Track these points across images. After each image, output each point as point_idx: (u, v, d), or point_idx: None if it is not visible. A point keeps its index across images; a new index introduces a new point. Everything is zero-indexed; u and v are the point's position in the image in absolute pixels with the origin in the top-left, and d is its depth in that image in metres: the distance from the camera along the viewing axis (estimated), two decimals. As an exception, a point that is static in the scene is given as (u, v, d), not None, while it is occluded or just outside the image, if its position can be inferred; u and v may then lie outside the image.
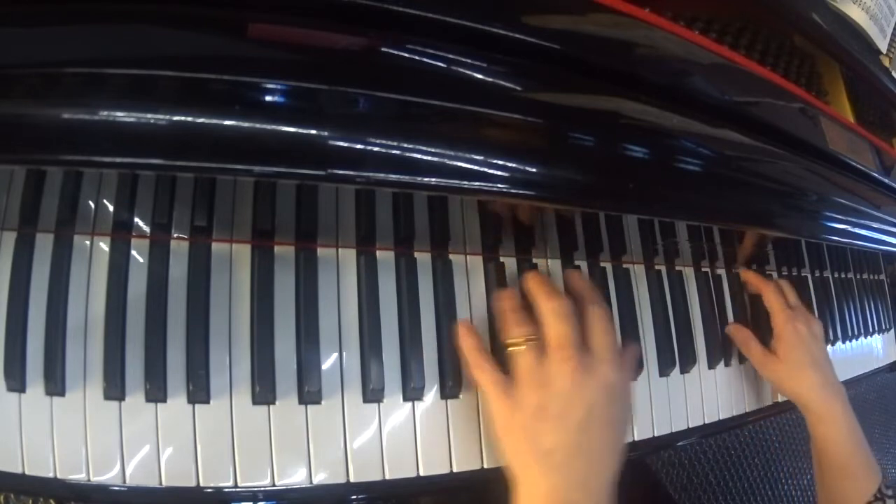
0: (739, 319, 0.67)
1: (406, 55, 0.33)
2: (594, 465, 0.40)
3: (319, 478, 0.41)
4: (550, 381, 0.41)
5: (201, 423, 0.39)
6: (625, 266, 0.57)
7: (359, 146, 0.31)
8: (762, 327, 0.66)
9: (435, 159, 0.33)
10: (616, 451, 0.42)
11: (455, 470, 0.45)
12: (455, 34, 0.34)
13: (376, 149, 0.31)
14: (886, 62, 0.65)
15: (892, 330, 0.97)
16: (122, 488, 0.37)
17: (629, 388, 0.44)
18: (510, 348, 0.43)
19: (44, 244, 0.38)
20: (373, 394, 0.43)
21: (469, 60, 0.35)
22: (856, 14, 0.59)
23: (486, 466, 0.46)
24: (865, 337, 0.89)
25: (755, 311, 0.67)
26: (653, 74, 0.42)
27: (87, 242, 0.39)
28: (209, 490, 0.38)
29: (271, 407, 0.41)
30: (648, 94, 0.42)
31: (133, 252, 0.40)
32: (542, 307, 0.44)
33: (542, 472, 0.39)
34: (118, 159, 0.28)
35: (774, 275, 0.74)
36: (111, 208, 0.40)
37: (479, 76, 0.35)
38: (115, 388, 0.37)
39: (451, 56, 0.34)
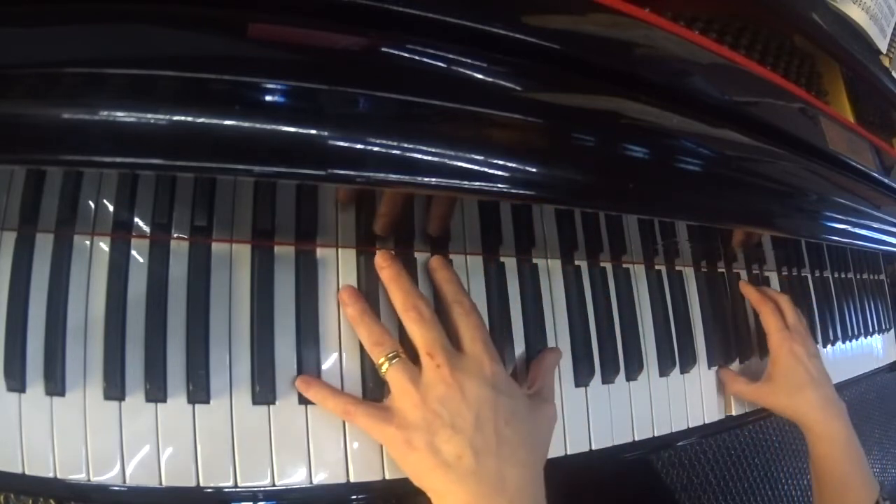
0: (740, 320, 0.67)
1: (406, 55, 0.33)
2: (505, 461, 0.39)
3: (319, 478, 0.41)
4: (428, 392, 0.39)
5: (201, 423, 0.39)
6: (625, 266, 0.57)
7: (359, 146, 0.31)
8: (762, 329, 0.66)
9: (435, 159, 0.33)
10: (530, 443, 0.41)
11: (455, 470, 0.45)
12: (455, 34, 0.34)
13: (376, 149, 0.31)
14: (886, 62, 0.65)
15: (892, 330, 0.97)
16: (122, 488, 0.37)
17: (510, 379, 0.43)
18: (380, 371, 0.41)
19: (44, 244, 0.38)
20: (373, 394, 0.43)
21: (469, 60, 0.35)
22: (856, 14, 0.59)
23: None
24: (865, 337, 0.89)
25: (756, 312, 0.67)
26: (653, 74, 0.42)
27: (87, 242, 0.39)
28: (209, 490, 0.38)
29: (271, 407, 0.41)
30: (648, 94, 0.42)
31: (133, 252, 0.40)
32: (402, 316, 0.42)
33: (455, 482, 0.38)
34: (118, 159, 0.28)
35: (774, 275, 0.74)
36: (111, 208, 0.40)
37: (479, 76, 0.35)
38: (115, 388, 0.37)
39: (451, 56, 0.34)
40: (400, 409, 0.40)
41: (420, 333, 0.41)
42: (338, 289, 0.44)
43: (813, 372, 0.61)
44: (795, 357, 0.61)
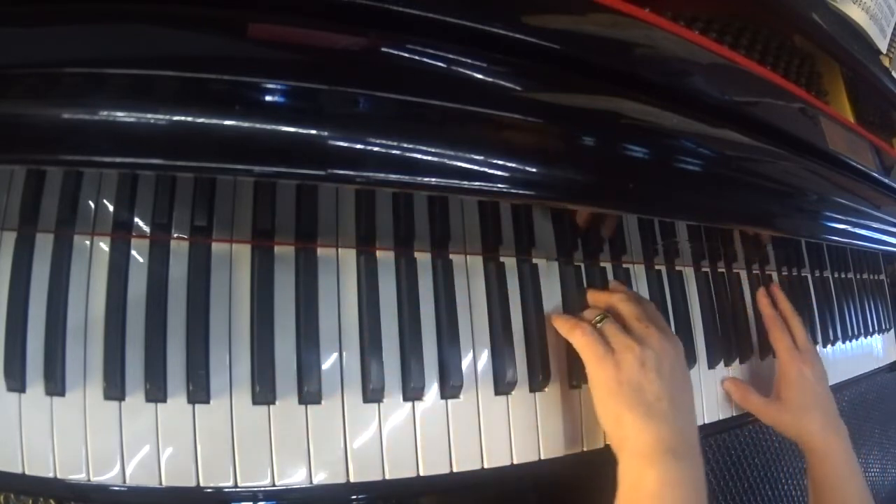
0: (740, 320, 0.67)
1: (406, 55, 0.33)
2: (687, 416, 0.48)
3: (319, 478, 0.41)
4: (642, 344, 0.47)
5: (201, 423, 0.39)
6: (625, 266, 0.57)
7: (359, 146, 0.31)
8: (762, 329, 0.66)
9: (435, 159, 0.33)
10: (693, 407, 0.50)
11: (455, 470, 0.45)
12: (455, 34, 0.34)
13: (376, 149, 0.31)
14: (886, 62, 0.65)
15: (892, 330, 0.97)
16: (122, 488, 0.37)
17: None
18: (596, 323, 0.49)
19: (44, 244, 0.38)
20: (373, 394, 0.43)
21: (469, 60, 0.35)
22: (856, 14, 0.59)
23: (485, 466, 0.46)
24: (865, 337, 0.89)
25: (757, 312, 0.67)
26: (653, 74, 0.42)
27: (87, 242, 0.39)
28: (209, 490, 0.38)
29: (271, 407, 0.41)
30: (648, 94, 0.42)
31: (133, 252, 0.40)
32: (612, 299, 0.52)
33: (648, 422, 0.44)
34: (118, 159, 0.28)
35: (775, 275, 0.74)
36: (111, 208, 0.40)
37: (480, 76, 0.35)
38: (115, 388, 0.37)
39: (451, 56, 0.34)
40: (618, 349, 0.47)
41: (628, 307, 0.50)
42: (338, 289, 0.44)
43: (821, 395, 0.62)
44: (805, 379, 0.61)
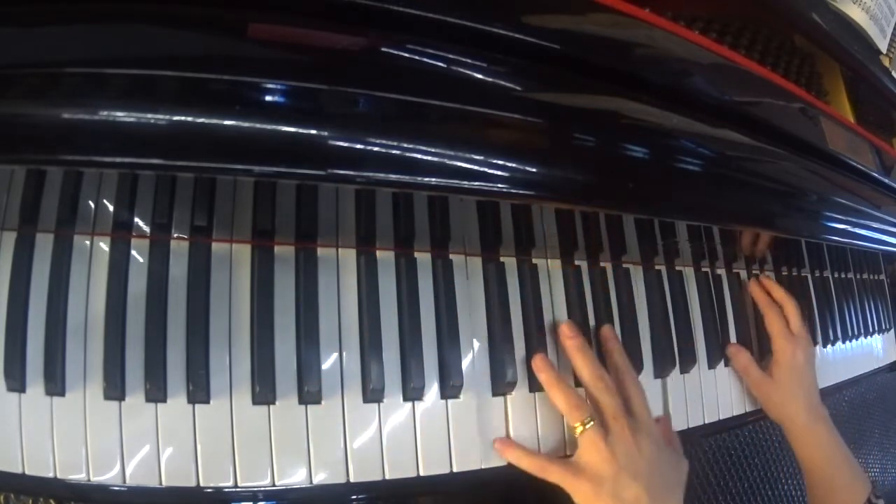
0: (740, 321, 0.67)
1: (406, 55, 0.33)
2: (668, 501, 0.48)
3: (319, 478, 0.41)
4: (615, 449, 0.47)
5: (201, 423, 0.39)
6: (625, 266, 0.57)
7: (359, 146, 0.31)
8: (761, 329, 0.66)
9: (435, 159, 0.33)
10: (678, 488, 0.50)
11: (455, 470, 0.45)
12: (455, 34, 0.34)
13: (376, 149, 0.31)
14: (886, 62, 0.65)
15: (892, 330, 0.97)
16: (122, 488, 0.37)
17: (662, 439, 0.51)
18: (574, 432, 0.48)
19: (44, 244, 0.38)
20: (373, 394, 0.43)
21: (469, 60, 0.35)
22: (856, 14, 0.59)
23: (485, 466, 0.46)
24: (865, 337, 0.89)
25: (756, 312, 0.67)
26: (653, 74, 0.42)
27: (87, 242, 0.39)
28: (209, 490, 0.38)
29: (271, 407, 0.41)
30: (649, 94, 0.42)
31: (133, 252, 0.40)
32: (590, 385, 0.50)
33: None
34: (118, 159, 0.28)
35: (774, 275, 0.74)
36: (111, 208, 0.40)
37: (479, 76, 0.35)
38: (115, 388, 0.37)
39: (451, 56, 0.34)
40: (590, 463, 0.47)
41: (607, 401, 0.49)
42: (338, 289, 0.44)
43: (808, 378, 0.64)
44: (796, 362, 0.63)
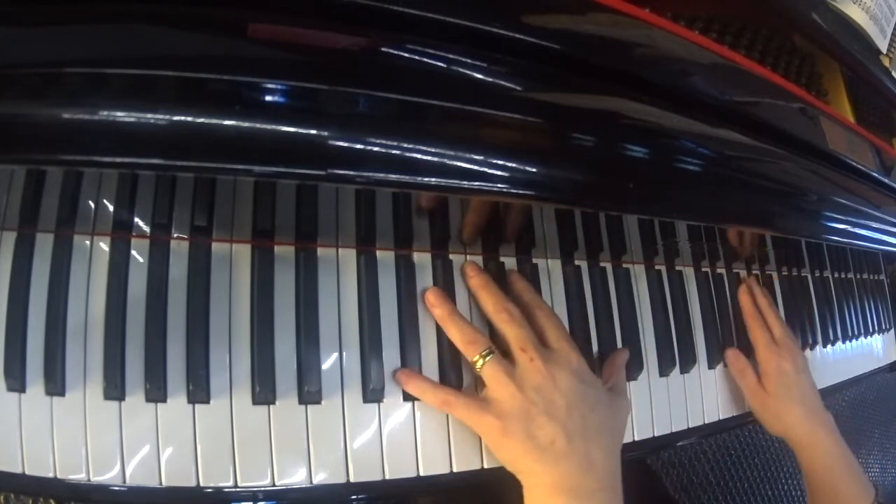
0: (740, 320, 0.67)
1: (406, 55, 0.33)
2: (592, 444, 0.43)
3: (319, 478, 0.41)
4: (524, 383, 0.42)
5: (201, 423, 0.39)
6: (625, 266, 0.57)
7: (359, 146, 0.31)
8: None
9: (435, 159, 0.33)
10: (610, 429, 0.45)
11: (455, 470, 0.45)
12: (455, 34, 0.34)
13: (376, 149, 0.31)
14: (886, 62, 0.64)
15: (892, 330, 0.97)
16: (122, 488, 0.37)
17: (592, 373, 0.47)
18: (475, 367, 0.44)
19: (44, 244, 0.38)
20: (373, 394, 0.43)
21: (469, 60, 0.35)
22: (856, 14, 0.59)
23: (485, 466, 0.46)
24: (865, 337, 0.89)
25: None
26: (653, 74, 0.42)
27: (87, 242, 0.39)
28: (209, 490, 0.38)
29: (271, 407, 0.41)
30: (649, 94, 0.42)
31: (133, 252, 0.40)
32: (494, 318, 0.46)
33: (549, 464, 0.41)
34: (118, 159, 0.28)
35: (775, 275, 0.74)
36: (111, 208, 0.40)
37: (479, 76, 0.35)
38: (115, 388, 0.37)
39: (451, 56, 0.34)
40: (496, 399, 0.42)
41: (512, 331, 0.45)
42: (338, 289, 0.44)
43: (801, 385, 0.62)
44: (783, 373, 0.62)
